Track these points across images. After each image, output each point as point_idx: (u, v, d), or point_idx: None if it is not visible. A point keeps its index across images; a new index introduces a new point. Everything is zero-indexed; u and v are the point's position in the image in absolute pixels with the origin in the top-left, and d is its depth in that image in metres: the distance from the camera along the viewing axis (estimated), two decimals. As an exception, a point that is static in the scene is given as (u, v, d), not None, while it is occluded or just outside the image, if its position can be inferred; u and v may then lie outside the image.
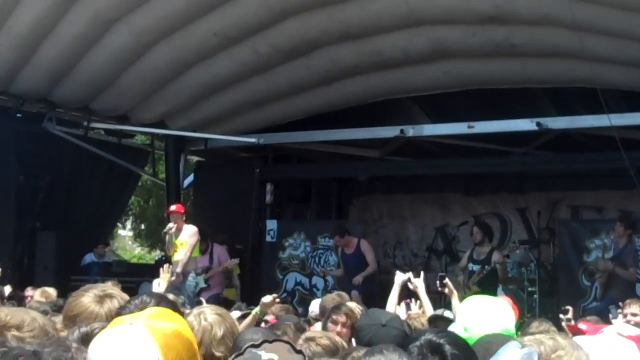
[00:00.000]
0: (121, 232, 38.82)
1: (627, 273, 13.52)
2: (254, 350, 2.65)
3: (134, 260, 32.78)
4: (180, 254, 13.71)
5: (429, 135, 16.49)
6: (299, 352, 2.68)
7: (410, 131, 16.03)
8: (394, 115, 16.20)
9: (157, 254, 32.02)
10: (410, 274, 8.92)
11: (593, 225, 16.17)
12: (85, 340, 2.92)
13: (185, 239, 13.80)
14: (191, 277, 13.80)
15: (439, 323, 7.22)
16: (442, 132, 16.30)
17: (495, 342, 4.14)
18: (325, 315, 7.68)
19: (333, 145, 17.77)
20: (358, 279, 14.73)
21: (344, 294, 10.08)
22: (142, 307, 3.72)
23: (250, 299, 13.39)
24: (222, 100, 16.50)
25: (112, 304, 4.04)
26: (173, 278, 12.75)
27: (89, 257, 17.86)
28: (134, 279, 15.84)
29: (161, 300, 3.89)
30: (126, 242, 42.29)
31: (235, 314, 7.98)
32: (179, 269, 13.31)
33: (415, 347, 3.30)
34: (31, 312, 2.58)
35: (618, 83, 14.16)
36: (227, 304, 10.99)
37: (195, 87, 15.94)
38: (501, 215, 19.03)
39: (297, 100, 16.58)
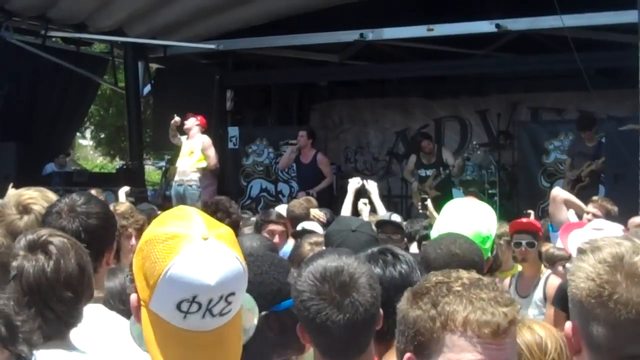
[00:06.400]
0: (81, 141, 38.64)
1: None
2: None
3: (95, 170, 32.71)
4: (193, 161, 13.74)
5: (388, 38, 16.41)
6: None
7: (370, 35, 15.96)
8: (353, 19, 16.10)
9: (118, 162, 31.95)
10: (365, 181, 9.07)
11: (552, 126, 16.31)
12: (33, 247, 2.92)
13: (200, 146, 13.80)
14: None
15: (386, 227, 7.34)
16: (401, 35, 16.16)
17: (449, 239, 4.12)
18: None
19: (293, 50, 17.69)
20: (312, 192, 14.61)
21: (311, 198, 10.12)
22: (72, 204, 3.67)
23: (214, 206, 13.41)
24: (181, 6, 16.29)
25: (36, 210, 3.99)
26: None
27: (50, 167, 17.80)
28: (96, 188, 15.75)
29: (91, 198, 3.80)
30: (87, 151, 42.12)
31: None
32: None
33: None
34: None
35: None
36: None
37: (154, -7, 15.76)
38: (461, 118, 19.07)
39: (257, 4, 16.42)
